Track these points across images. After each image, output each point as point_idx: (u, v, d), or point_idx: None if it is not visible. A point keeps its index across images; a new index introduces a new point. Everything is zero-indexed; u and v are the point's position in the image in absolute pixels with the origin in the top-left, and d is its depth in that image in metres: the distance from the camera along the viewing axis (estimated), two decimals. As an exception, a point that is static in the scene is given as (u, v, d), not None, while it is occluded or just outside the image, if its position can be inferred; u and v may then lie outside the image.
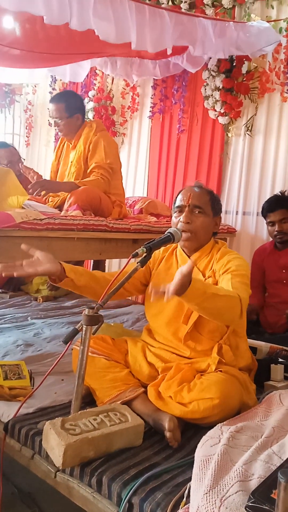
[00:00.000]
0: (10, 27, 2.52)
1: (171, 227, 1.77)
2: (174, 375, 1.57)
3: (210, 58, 3.25)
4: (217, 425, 1.32)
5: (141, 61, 3.60)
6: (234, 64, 3.29)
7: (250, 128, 3.34)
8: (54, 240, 2.03)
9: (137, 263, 1.53)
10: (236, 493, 0.98)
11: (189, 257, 1.83)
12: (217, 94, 3.38)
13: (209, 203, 1.82)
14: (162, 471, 1.26)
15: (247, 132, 3.35)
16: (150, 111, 3.92)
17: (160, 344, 1.77)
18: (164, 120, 3.87)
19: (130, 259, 1.55)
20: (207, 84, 3.43)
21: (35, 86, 4.93)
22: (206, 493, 0.99)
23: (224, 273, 1.69)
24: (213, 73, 3.36)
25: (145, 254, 1.52)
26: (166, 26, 2.45)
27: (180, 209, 1.80)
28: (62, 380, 1.90)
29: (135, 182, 4.11)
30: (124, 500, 1.16)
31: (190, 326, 1.68)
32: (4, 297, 3.42)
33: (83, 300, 3.38)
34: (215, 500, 0.97)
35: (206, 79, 3.43)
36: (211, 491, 0.99)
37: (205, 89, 3.46)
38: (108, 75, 4.06)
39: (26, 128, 5.10)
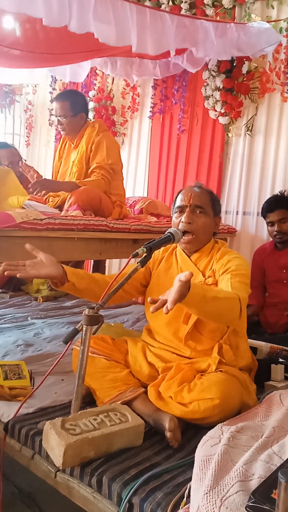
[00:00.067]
0: (10, 28, 2.52)
1: (171, 227, 1.77)
2: (174, 375, 1.57)
3: (210, 58, 3.25)
4: (217, 425, 1.32)
5: (141, 61, 3.60)
6: (235, 64, 3.29)
7: (250, 128, 3.34)
8: (54, 240, 2.03)
9: (137, 263, 1.54)
10: (236, 493, 0.98)
11: (189, 257, 1.83)
12: (217, 94, 3.38)
13: (209, 203, 1.82)
14: (163, 471, 1.26)
15: (248, 132, 3.35)
16: (150, 111, 3.92)
17: (160, 344, 1.77)
18: (164, 120, 3.87)
19: (130, 259, 1.55)
20: (208, 84, 3.43)
21: (35, 86, 4.93)
22: (207, 493, 0.99)
23: (224, 273, 1.69)
24: (214, 73, 3.36)
25: (145, 254, 1.52)
26: (167, 28, 2.45)
27: (181, 209, 1.80)
28: (62, 380, 1.90)
29: (135, 182, 4.11)
30: (125, 500, 1.16)
31: (190, 326, 1.68)
32: (4, 297, 3.42)
33: (83, 300, 3.37)
34: (215, 500, 0.97)
35: (206, 79, 3.43)
36: (211, 491, 0.99)
37: (206, 89, 3.46)
38: (108, 75, 4.06)
39: (26, 128, 5.10)
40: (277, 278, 2.80)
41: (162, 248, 1.86)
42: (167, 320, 1.73)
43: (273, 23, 3.07)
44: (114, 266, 4.13)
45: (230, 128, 3.44)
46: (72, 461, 1.25)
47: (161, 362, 1.69)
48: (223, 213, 3.48)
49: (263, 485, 0.96)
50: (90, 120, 3.18)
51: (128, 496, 1.16)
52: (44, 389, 1.72)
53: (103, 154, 2.65)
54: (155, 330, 1.82)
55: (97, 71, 4.16)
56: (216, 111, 3.43)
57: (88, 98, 4.18)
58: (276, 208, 2.73)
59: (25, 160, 3.65)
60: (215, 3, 3.34)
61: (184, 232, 1.76)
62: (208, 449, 1.18)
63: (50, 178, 3.06)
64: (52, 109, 4.59)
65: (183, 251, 1.85)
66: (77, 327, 1.38)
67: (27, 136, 5.10)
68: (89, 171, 2.67)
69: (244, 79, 3.30)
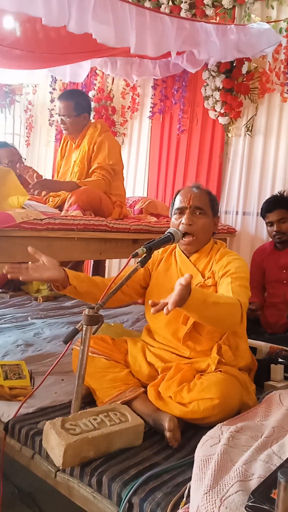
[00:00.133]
0: (11, 28, 2.52)
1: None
2: (174, 375, 1.57)
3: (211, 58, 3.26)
4: (217, 425, 1.32)
5: (141, 61, 3.60)
6: (234, 64, 3.29)
7: (250, 128, 3.34)
8: (54, 240, 2.04)
9: (137, 263, 1.54)
10: (236, 493, 0.98)
11: (188, 257, 1.83)
12: (217, 94, 3.38)
13: (209, 204, 1.83)
14: (162, 471, 1.26)
15: (247, 132, 3.35)
16: (150, 111, 3.92)
17: (160, 344, 1.77)
18: (164, 120, 3.87)
19: (130, 259, 1.56)
20: (207, 84, 3.43)
21: (35, 86, 4.93)
22: (206, 493, 0.99)
23: (223, 276, 1.69)
24: (213, 73, 3.36)
25: (145, 254, 1.53)
26: (167, 30, 2.45)
27: (181, 210, 1.80)
28: (62, 380, 1.90)
29: (135, 182, 4.11)
30: (124, 500, 1.16)
31: (189, 327, 1.68)
32: (4, 297, 3.43)
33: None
34: (215, 500, 0.97)
35: (206, 79, 3.43)
36: (211, 491, 1.00)
37: (205, 89, 3.46)
38: (108, 75, 4.06)
39: (26, 128, 5.10)
40: (277, 278, 2.80)
41: (161, 249, 1.86)
42: (166, 321, 1.73)
43: (273, 23, 3.08)
44: (114, 266, 4.13)
45: (230, 128, 3.44)
46: (72, 461, 1.25)
47: (161, 362, 1.69)
48: (223, 213, 3.48)
49: (263, 485, 0.96)
50: (92, 120, 3.19)
51: (128, 496, 1.16)
52: (44, 389, 1.72)
53: (104, 154, 2.66)
54: (154, 331, 1.82)
55: (97, 71, 4.17)
56: (216, 111, 3.43)
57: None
58: (275, 208, 2.73)
59: (25, 159, 3.65)
60: (215, 3, 3.34)
61: (185, 234, 1.76)
62: (208, 449, 1.18)
63: (51, 178, 3.06)
64: (52, 109, 4.62)
65: (182, 251, 1.85)
66: (77, 327, 1.38)
67: (27, 136, 5.10)
68: (90, 171, 2.68)
69: (244, 79, 3.30)
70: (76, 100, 2.69)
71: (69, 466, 1.27)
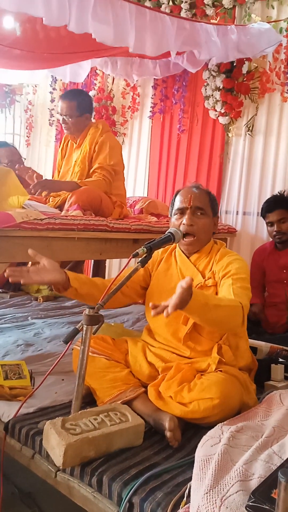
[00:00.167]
0: (11, 28, 2.52)
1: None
2: (174, 375, 1.57)
3: (211, 58, 3.25)
4: (217, 425, 1.32)
5: (141, 61, 3.60)
6: (235, 64, 3.29)
7: (250, 128, 3.34)
8: (55, 240, 2.04)
9: (138, 263, 1.54)
10: (236, 492, 0.98)
11: (188, 257, 1.83)
12: (217, 94, 3.38)
13: (209, 204, 1.83)
14: (163, 471, 1.26)
15: (248, 132, 3.35)
16: (150, 111, 3.92)
17: (160, 344, 1.77)
18: (164, 120, 3.87)
19: (130, 259, 1.56)
20: (208, 84, 3.43)
21: (36, 86, 4.93)
22: (207, 493, 0.99)
23: (224, 277, 1.69)
24: (214, 73, 3.36)
25: (145, 254, 1.53)
26: (167, 30, 2.44)
27: (182, 211, 1.79)
28: (63, 380, 1.90)
29: (136, 182, 4.11)
30: (125, 499, 1.16)
31: (189, 327, 1.68)
32: (4, 297, 3.42)
33: (83, 300, 3.37)
34: (215, 500, 0.97)
35: (206, 79, 3.43)
36: (211, 490, 1.00)
37: (206, 89, 3.46)
38: (109, 75, 4.06)
39: (27, 128, 5.10)
40: (277, 278, 2.80)
41: (160, 250, 1.86)
42: (166, 321, 1.73)
43: (273, 23, 3.08)
44: (114, 266, 4.13)
45: (230, 128, 3.44)
46: (72, 461, 1.25)
47: (161, 362, 1.69)
48: (223, 213, 3.48)
49: (263, 485, 0.96)
50: (93, 120, 3.19)
51: (128, 495, 1.16)
52: (44, 389, 1.72)
53: (105, 154, 2.66)
54: (155, 331, 1.82)
55: (97, 71, 4.17)
56: (216, 111, 3.43)
57: (89, 98, 4.18)
58: (275, 208, 2.73)
59: (25, 159, 3.65)
60: (215, 3, 3.34)
61: (186, 234, 1.76)
62: (208, 449, 1.18)
63: (51, 178, 3.06)
64: (52, 109, 4.63)
65: (183, 251, 1.85)
66: (77, 327, 1.38)
67: (27, 136, 5.10)
68: (91, 171, 2.68)
69: (244, 79, 3.30)
70: (79, 100, 2.69)
71: (69, 466, 1.27)
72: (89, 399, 1.65)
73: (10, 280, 1.49)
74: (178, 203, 1.82)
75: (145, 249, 1.52)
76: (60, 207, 2.51)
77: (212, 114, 3.47)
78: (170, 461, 1.32)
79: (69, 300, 3.44)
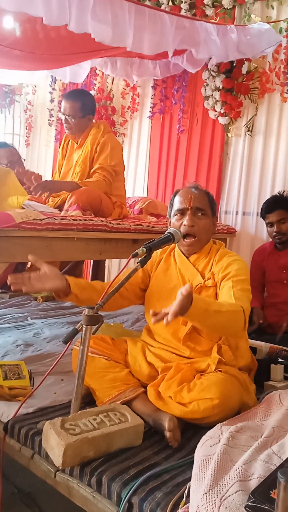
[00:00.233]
0: (10, 28, 2.52)
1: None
2: (174, 375, 1.57)
3: (210, 58, 3.25)
4: (217, 425, 1.32)
5: (141, 61, 3.60)
6: (234, 64, 3.29)
7: (250, 128, 3.34)
8: (54, 240, 2.04)
9: (137, 263, 1.54)
10: (235, 492, 0.98)
11: (187, 257, 1.83)
12: (217, 95, 3.38)
13: (208, 204, 1.83)
14: (162, 471, 1.26)
15: (248, 132, 3.35)
16: (150, 111, 3.92)
17: (160, 344, 1.77)
18: (164, 120, 3.87)
19: (130, 259, 1.56)
20: (207, 85, 3.43)
21: (35, 86, 4.93)
22: (206, 493, 0.99)
23: (224, 279, 1.69)
24: (213, 74, 3.36)
25: (145, 254, 1.53)
26: (166, 29, 2.44)
27: (182, 211, 1.79)
28: (62, 380, 1.90)
29: (135, 182, 4.11)
30: (124, 500, 1.16)
31: (189, 327, 1.68)
32: (4, 297, 3.42)
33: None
34: (214, 500, 0.97)
35: (206, 80, 3.43)
36: (210, 490, 1.00)
37: (205, 89, 3.46)
38: (108, 75, 4.06)
39: (26, 128, 5.10)
40: (277, 279, 2.80)
41: (159, 250, 1.86)
42: (166, 321, 1.73)
43: (273, 23, 3.08)
44: (114, 267, 4.13)
45: (230, 128, 3.44)
46: (71, 461, 1.25)
47: (161, 362, 1.69)
48: (223, 213, 3.48)
49: (263, 485, 0.96)
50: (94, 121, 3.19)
51: (128, 496, 1.16)
52: (44, 389, 1.72)
53: (106, 155, 2.66)
54: (154, 331, 1.82)
55: (97, 71, 4.16)
56: (216, 111, 3.43)
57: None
58: (275, 209, 2.73)
59: (25, 160, 3.65)
60: (215, 3, 3.34)
61: (186, 235, 1.76)
62: (208, 449, 1.18)
63: (50, 178, 3.06)
64: (52, 109, 4.63)
65: (182, 252, 1.85)
66: (76, 327, 1.38)
67: (27, 136, 5.10)
68: (91, 171, 2.68)
69: (244, 79, 3.30)
70: (82, 101, 2.68)
71: (68, 466, 1.27)
72: (88, 399, 1.65)
73: (12, 288, 1.49)
74: (178, 203, 1.81)
75: (144, 249, 1.52)
76: (60, 207, 2.51)
77: (211, 114, 3.47)
78: (170, 461, 1.32)
79: (68, 300, 3.44)
